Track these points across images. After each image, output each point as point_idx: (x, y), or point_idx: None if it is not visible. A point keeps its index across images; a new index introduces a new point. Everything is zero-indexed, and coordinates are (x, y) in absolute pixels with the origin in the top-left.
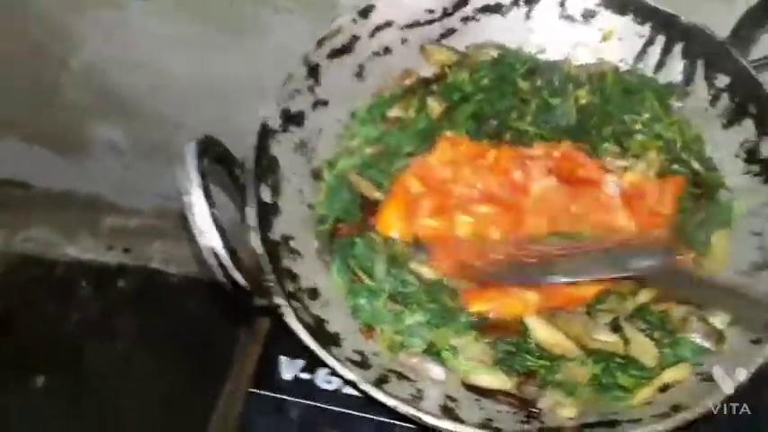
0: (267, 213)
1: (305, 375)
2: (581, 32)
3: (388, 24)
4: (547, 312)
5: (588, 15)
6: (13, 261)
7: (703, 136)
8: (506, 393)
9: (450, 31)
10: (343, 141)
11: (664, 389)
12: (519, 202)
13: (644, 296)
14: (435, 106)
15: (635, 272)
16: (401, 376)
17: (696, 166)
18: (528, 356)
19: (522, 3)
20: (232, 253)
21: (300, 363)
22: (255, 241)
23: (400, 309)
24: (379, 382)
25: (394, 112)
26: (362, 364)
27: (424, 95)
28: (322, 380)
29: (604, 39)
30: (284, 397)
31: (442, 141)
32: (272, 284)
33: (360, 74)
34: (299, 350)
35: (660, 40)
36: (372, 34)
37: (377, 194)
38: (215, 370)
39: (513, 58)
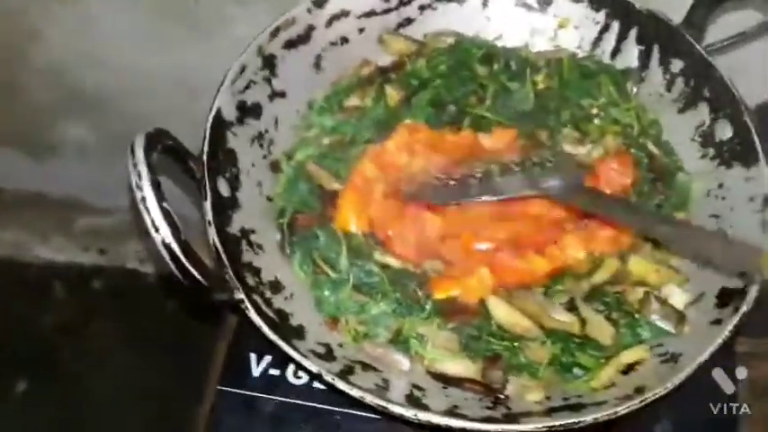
0: (225, 207)
1: (274, 371)
2: (538, 20)
3: (345, 14)
4: (504, 292)
5: (545, 3)
6: None
7: (660, 120)
8: (472, 381)
9: (408, 21)
10: (300, 132)
11: (626, 371)
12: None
13: (599, 276)
14: (393, 94)
15: (549, 190)
16: (367, 367)
17: (653, 149)
18: (491, 339)
19: None
20: (186, 247)
21: (270, 359)
22: (212, 235)
23: (365, 299)
24: (345, 374)
25: (352, 102)
26: (327, 356)
27: (382, 84)
28: (292, 375)
29: (561, 26)
30: (254, 393)
31: (401, 129)
32: (230, 279)
33: (317, 64)
34: (268, 346)
35: (615, 26)
36: (329, 24)
37: (335, 185)
38: (194, 368)
39: (471, 44)
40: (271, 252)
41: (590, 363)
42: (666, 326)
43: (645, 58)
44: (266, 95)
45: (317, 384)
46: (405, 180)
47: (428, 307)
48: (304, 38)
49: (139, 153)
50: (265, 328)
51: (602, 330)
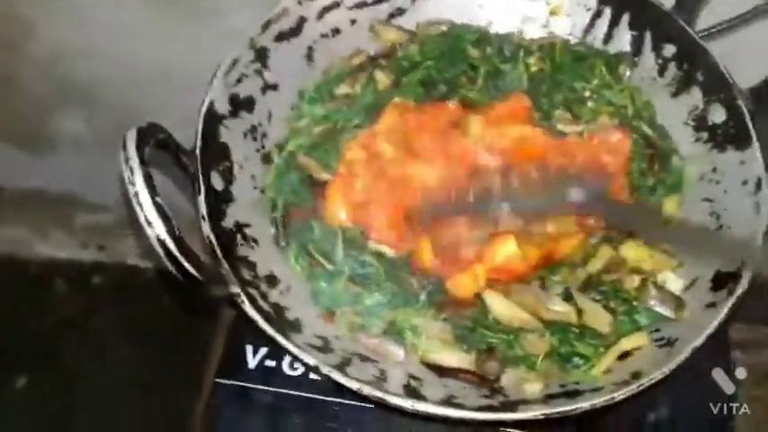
0: (219, 201)
1: (271, 362)
2: (529, 7)
3: (336, 5)
4: (500, 286)
5: None
6: None
7: (654, 103)
8: (467, 371)
9: (400, 11)
10: (291, 122)
11: (622, 357)
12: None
13: (594, 265)
14: (383, 78)
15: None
16: (364, 358)
17: (648, 131)
18: (487, 332)
19: None
20: (180, 242)
21: (266, 350)
22: (207, 230)
23: (359, 290)
24: (342, 366)
25: (342, 90)
26: (324, 348)
27: (373, 69)
28: (288, 366)
29: (553, 13)
30: (251, 385)
31: (390, 109)
32: (226, 273)
33: (309, 56)
34: (264, 338)
35: (607, 12)
36: (320, 16)
37: (325, 175)
38: (193, 362)
39: (463, 30)
40: (266, 246)
41: (589, 352)
42: (665, 311)
43: (637, 43)
44: (259, 88)
45: (313, 375)
46: (420, 199)
47: (422, 298)
48: (295, 30)
49: (131, 148)
50: (261, 322)
51: (599, 319)
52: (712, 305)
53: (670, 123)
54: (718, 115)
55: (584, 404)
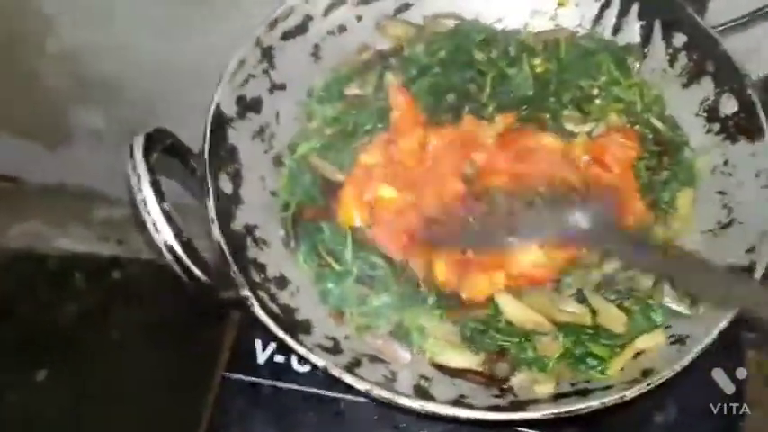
0: (228, 204)
1: (280, 358)
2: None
3: (341, 2)
4: (514, 289)
5: None
6: (6, 256)
7: (664, 96)
8: (475, 372)
9: (406, 6)
10: (301, 123)
11: (635, 355)
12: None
13: (610, 265)
14: (393, 81)
15: (577, 228)
16: (373, 359)
17: (658, 125)
18: (498, 334)
19: None
20: (188, 246)
21: (275, 345)
22: (216, 233)
23: (367, 291)
24: (352, 367)
25: (352, 90)
26: (334, 349)
27: (382, 70)
28: (297, 362)
29: (561, 4)
30: (259, 380)
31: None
32: (235, 276)
33: (316, 54)
34: (273, 334)
35: (616, 2)
36: (326, 13)
37: (338, 176)
38: (207, 356)
39: (470, 28)
40: (276, 247)
41: (604, 352)
42: (681, 308)
43: (647, 33)
44: (266, 89)
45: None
46: (421, 223)
47: (430, 300)
48: (301, 28)
49: (138, 155)
50: (271, 324)
51: (614, 319)
52: None
53: (681, 115)
54: (729, 106)
55: (594, 403)
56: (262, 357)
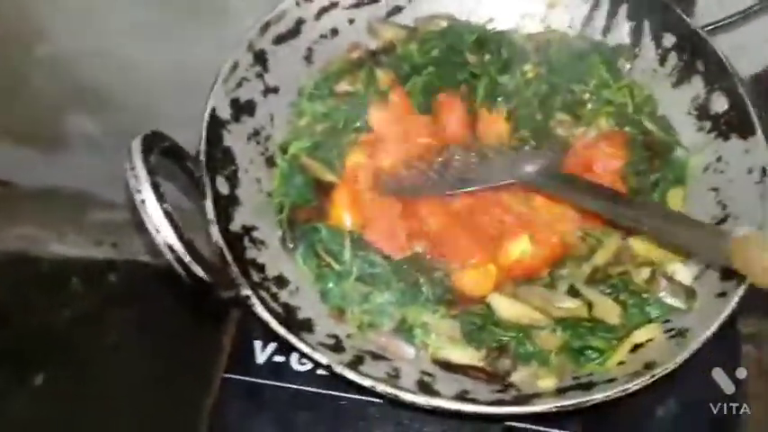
0: (226, 205)
1: (279, 358)
2: (528, 1)
3: (333, 5)
4: (508, 286)
5: None
6: (2, 260)
7: (655, 96)
8: (477, 368)
9: (397, 9)
10: (292, 121)
11: (635, 349)
12: None
13: (600, 257)
14: (384, 78)
15: (523, 177)
16: (376, 356)
17: (649, 125)
18: (496, 329)
19: None
20: (189, 246)
21: (274, 346)
22: (215, 234)
23: (368, 289)
24: (355, 364)
25: (342, 87)
26: (336, 347)
27: (373, 67)
28: (296, 362)
29: (551, 6)
30: (259, 380)
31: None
32: (236, 276)
33: (308, 57)
34: (272, 334)
35: (605, 3)
36: (318, 16)
37: (329, 177)
38: (204, 357)
39: (462, 29)
40: (274, 248)
41: (602, 345)
42: (677, 303)
43: (636, 34)
44: (259, 92)
45: (321, 370)
46: (383, 174)
47: (431, 296)
48: (294, 32)
49: (137, 157)
50: (274, 323)
51: (609, 311)
52: (723, 294)
53: (672, 114)
54: (720, 104)
55: (598, 395)
56: (261, 358)
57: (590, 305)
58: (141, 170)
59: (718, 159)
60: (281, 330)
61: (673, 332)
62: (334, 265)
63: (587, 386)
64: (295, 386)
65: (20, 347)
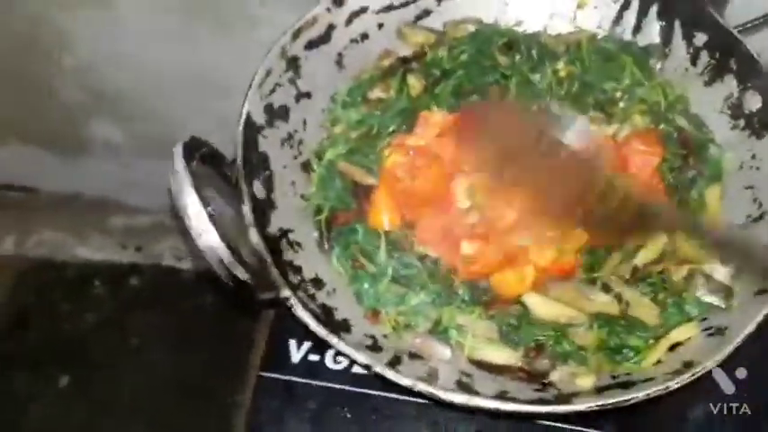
0: (263, 209)
1: (314, 356)
2: (556, 2)
3: (363, 10)
4: (541, 284)
5: None
6: (26, 265)
7: (687, 95)
8: (515, 368)
9: (426, 12)
10: (327, 130)
11: (673, 347)
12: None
13: (644, 256)
14: (415, 84)
15: None
16: (413, 356)
17: (683, 123)
18: (533, 329)
19: None
20: (232, 250)
21: (309, 344)
22: (255, 237)
23: (404, 290)
24: (393, 364)
25: (375, 94)
26: (374, 347)
27: (404, 74)
28: (331, 360)
29: (579, 6)
30: (294, 379)
31: (421, 119)
32: (276, 278)
33: (339, 62)
34: (307, 332)
35: (635, 3)
36: (348, 22)
37: (369, 180)
38: (230, 361)
39: (491, 32)
40: (309, 249)
41: (639, 344)
42: (715, 301)
43: (667, 33)
44: (292, 97)
45: (355, 369)
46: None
47: (466, 297)
48: (325, 37)
49: (179, 162)
50: (313, 324)
51: (646, 311)
52: (762, 292)
53: (705, 113)
54: (753, 102)
55: (639, 394)
56: (296, 356)
57: (627, 304)
58: (184, 175)
59: (753, 157)
60: (321, 331)
61: (711, 330)
62: (368, 267)
63: (626, 385)
64: (330, 384)
65: (44, 351)
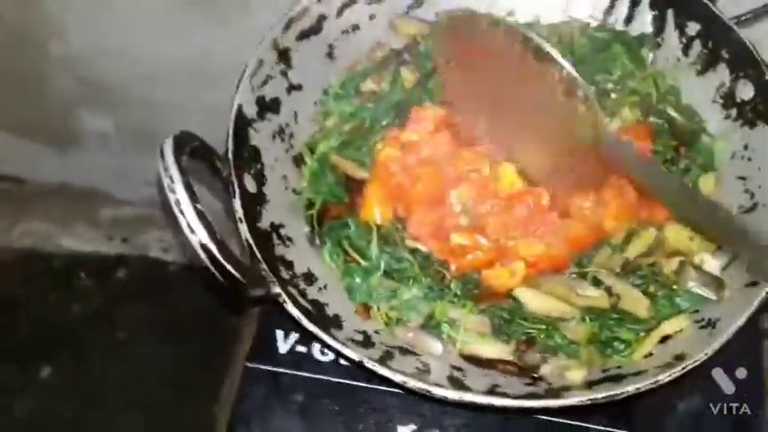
0: (254, 203)
1: (301, 348)
2: None
3: (354, 1)
4: (532, 279)
5: None
6: (12, 255)
7: (679, 85)
8: (507, 362)
9: (418, 3)
10: (319, 121)
11: (663, 340)
12: None
13: (634, 248)
14: (409, 76)
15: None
16: (405, 351)
17: (673, 114)
18: (524, 322)
19: None
20: (222, 246)
21: (296, 336)
22: (245, 232)
23: (396, 285)
24: (385, 359)
25: (367, 86)
26: (366, 343)
27: (398, 66)
28: (318, 351)
29: None
30: (281, 370)
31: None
32: (266, 274)
33: (330, 54)
34: (294, 324)
35: None
36: (339, 13)
37: (361, 173)
38: (217, 353)
39: None
40: (301, 244)
41: (630, 336)
42: (706, 293)
43: (659, 22)
44: (284, 89)
45: (342, 360)
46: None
47: (458, 291)
48: (316, 28)
49: (169, 157)
50: (304, 320)
51: (637, 303)
52: (753, 284)
53: (697, 102)
54: (746, 91)
55: (629, 388)
56: (283, 347)
57: (618, 297)
58: (174, 170)
59: (745, 147)
60: (312, 327)
61: (702, 322)
62: (360, 261)
63: (617, 378)
64: (317, 376)
65: (30, 342)
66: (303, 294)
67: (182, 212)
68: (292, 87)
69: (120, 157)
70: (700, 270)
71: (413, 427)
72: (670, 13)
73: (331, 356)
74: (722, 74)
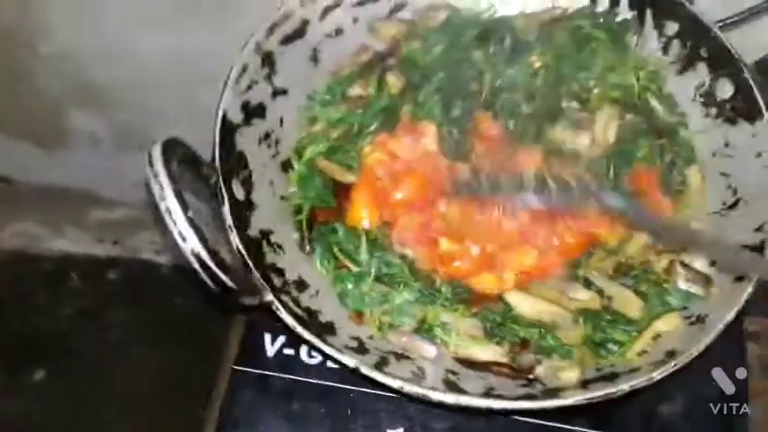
0: (243, 210)
1: (289, 351)
2: None
3: (337, 5)
4: (522, 283)
5: None
6: (2, 257)
7: (661, 70)
8: (501, 364)
9: (400, 6)
10: (305, 127)
11: (655, 338)
12: None
13: (629, 249)
14: (395, 82)
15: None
16: (399, 356)
17: (655, 104)
18: (515, 326)
19: None
20: (214, 254)
21: (284, 339)
22: (235, 240)
23: (387, 290)
24: (380, 365)
25: (354, 91)
26: (360, 349)
27: (383, 71)
28: (306, 354)
29: None
30: (269, 372)
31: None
32: (259, 282)
33: (315, 57)
34: (283, 327)
35: None
36: (322, 16)
37: (349, 177)
38: (208, 354)
39: (462, 23)
40: (291, 251)
41: (623, 337)
42: (695, 290)
43: (639, 22)
44: (269, 94)
45: (330, 363)
46: (448, 176)
47: (449, 295)
48: (299, 32)
49: (158, 165)
50: (299, 328)
51: (629, 304)
52: (740, 279)
53: (678, 100)
54: (725, 90)
55: (623, 386)
56: (271, 350)
57: (609, 298)
58: (164, 178)
59: (726, 144)
60: (307, 335)
61: (692, 319)
62: (351, 267)
63: (611, 377)
64: (305, 379)
65: (20, 344)
66: (296, 302)
67: (173, 221)
68: (277, 92)
69: (110, 158)
70: (688, 267)
71: (400, 429)
72: (648, 13)
73: (319, 359)
74: (702, 73)
